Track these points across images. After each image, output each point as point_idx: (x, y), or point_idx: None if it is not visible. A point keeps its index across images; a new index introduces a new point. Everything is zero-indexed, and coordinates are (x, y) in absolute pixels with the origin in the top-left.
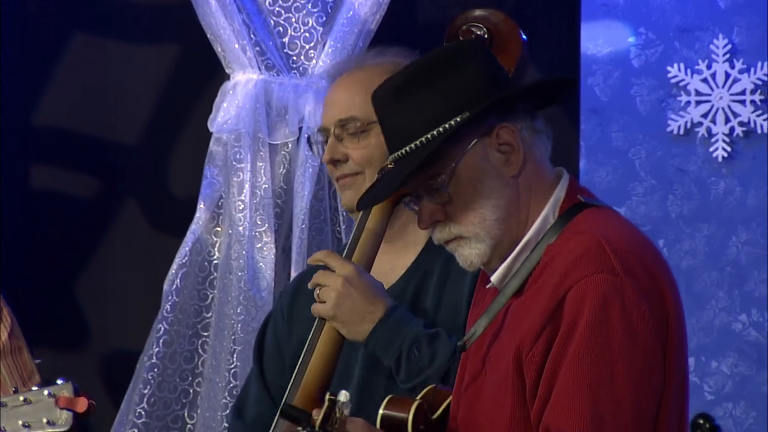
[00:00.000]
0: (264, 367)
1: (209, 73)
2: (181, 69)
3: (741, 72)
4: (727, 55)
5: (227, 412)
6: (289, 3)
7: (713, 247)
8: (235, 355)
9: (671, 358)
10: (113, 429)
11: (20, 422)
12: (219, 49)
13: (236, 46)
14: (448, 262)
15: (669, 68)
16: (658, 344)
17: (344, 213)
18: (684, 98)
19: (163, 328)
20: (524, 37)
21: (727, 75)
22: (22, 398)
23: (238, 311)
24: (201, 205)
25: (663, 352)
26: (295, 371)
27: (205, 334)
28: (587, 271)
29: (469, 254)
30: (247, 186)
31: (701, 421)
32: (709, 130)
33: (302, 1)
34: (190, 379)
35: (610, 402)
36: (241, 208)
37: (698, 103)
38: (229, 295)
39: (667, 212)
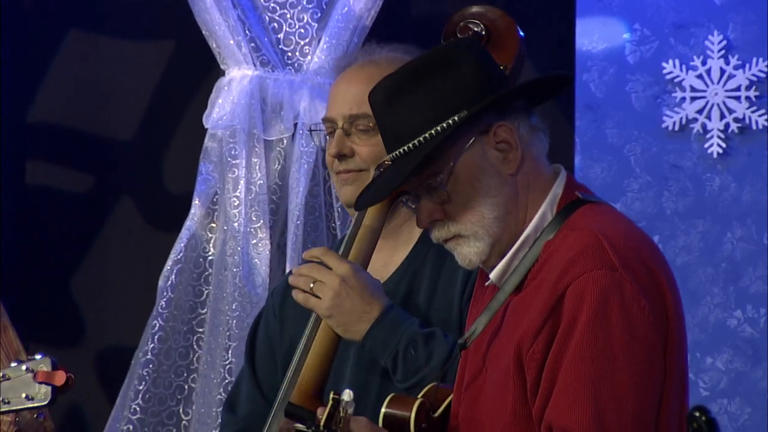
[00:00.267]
0: (255, 365)
1: (204, 69)
2: (176, 65)
3: (736, 68)
4: (722, 52)
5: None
6: None
7: (708, 243)
8: (230, 351)
9: (671, 353)
10: (108, 425)
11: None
12: (214, 45)
13: (231, 42)
14: (440, 258)
15: (664, 64)
16: (658, 339)
17: (339, 209)
18: (679, 94)
19: (158, 324)
20: (521, 33)
21: (722, 71)
22: (0, 375)
23: (233, 307)
24: (196, 201)
25: (663, 347)
26: (291, 370)
27: (200, 330)
28: (586, 268)
29: (468, 253)
30: (242, 182)
31: (697, 414)
32: (704, 126)
33: None
34: (185, 375)
35: (611, 398)
36: (236, 204)
37: (693, 99)
38: (224, 291)
39: (662, 208)
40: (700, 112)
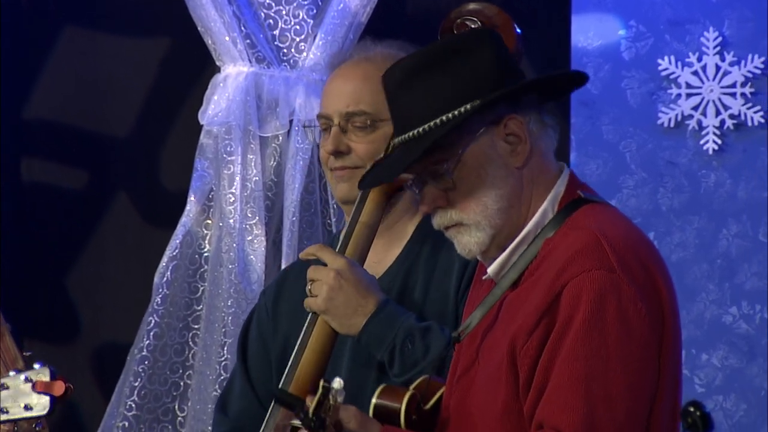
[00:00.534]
0: (248, 363)
1: (200, 66)
2: (172, 61)
3: (731, 65)
4: (718, 48)
5: None
6: None
7: (704, 240)
8: (225, 348)
9: (666, 355)
10: (104, 421)
11: None
12: (209, 42)
13: (227, 38)
14: (435, 252)
15: (659, 61)
16: (653, 341)
17: (335, 206)
18: (674, 91)
19: (153, 321)
20: (518, 30)
21: (718, 68)
22: None
23: (229, 304)
24: (192, 198)
25: (658, 349)
26: (288, 365)
27: (196, 326)
28: (585, 267)
29: (468, 242)
30: (237, 179)
31: (692, 409)
32: (699, 122)
33: None
34: (181, 371)
35: (604, 398)
36: (231, 200)
37: (689, 95)
38: (220, 287)
39: (657, 205)
40: (695, 108)
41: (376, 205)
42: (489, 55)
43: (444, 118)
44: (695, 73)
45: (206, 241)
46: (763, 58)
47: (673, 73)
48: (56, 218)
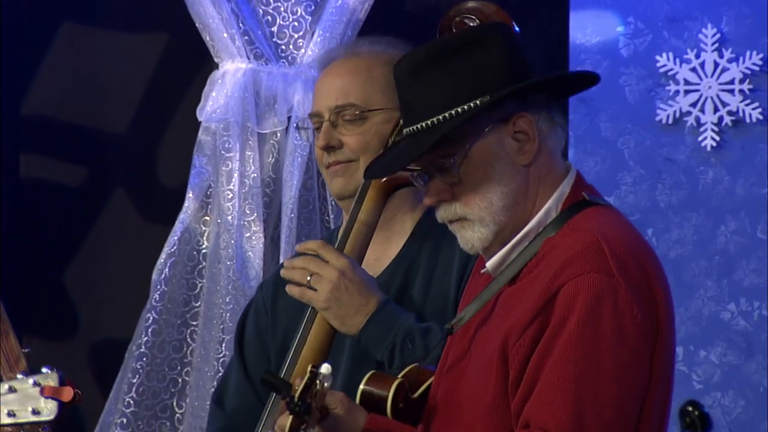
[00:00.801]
0: (245, 356)
1: (198, 62)
2: (170, 58)
3: (730, 61)
4: (716, 45)
5: None
6: None
7: (702, 237)
8: (223, 345)
9: (658, 360)
10: (102, 418)
11: (5, 411)
12: (208, 38)
13: (225, 35)
14: (435, 249)
15: (658, 58)
16: (646, 347)
17: (333, 202)
18: (673, 87)
19: (151, 318)
20: (517, 28)
21: (716, 64)
22: (6, 387)
23: (227, 300)
24: (190, 195)
25: (650, 355)
26: (287, 362)
27: (194, 323)
28: (583, 269)
29: (471, 237)
30: (235, 175)
31: (690, 409)
32: (697, 119)
33: None
34: (179, 368)
35: (593, 401)
36: (229, 197)
37: (687, 92)
38: (218, 284)
39: (655, 201)
40: (693, 105)
41: (375, 203)
42: (501, 50)
43: (453, 112)
44: (693, 69)
45: (204, 238)
46: (761, 55)
47: (671, 69)
48: (54, 214)
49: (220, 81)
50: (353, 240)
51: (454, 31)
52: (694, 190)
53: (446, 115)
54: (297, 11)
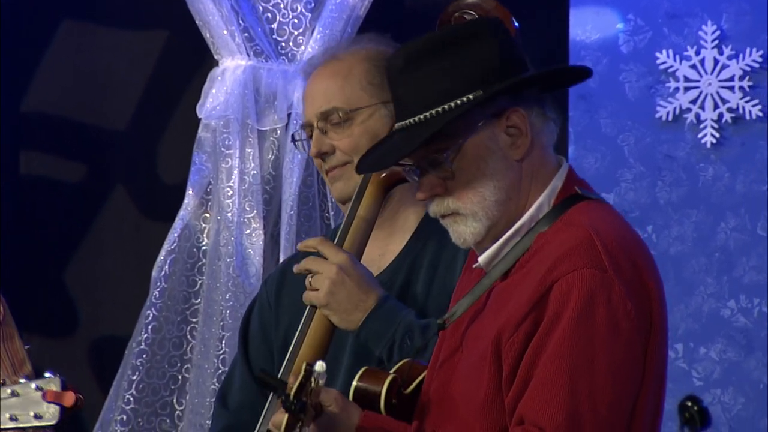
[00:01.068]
0: (249, 354)
1: (198, 59)
2: (170, 55)
3: (730, 58)
4: (716, 41)
5: None
6: None
7: (702, 233)
8: (223, 342)
9: (652, 354)
10: (102, 415)
11: (7, 415)
12: (207, 35)
13: (225, 32)
14: (438, 247)
15: (658, 54)
16: (640, 342)
17: (332, 199)
18: (672, 84)
19: (151, 315)
20: (516, 24)
21: (716, 61)
22: (9, 391)
23: (227, 297)
24: (190, 192)
25: (644, 349)
26: (286, 358)
27: (194, 320)
28: (576, 265)
29: (463, 231)
30: (235, 172)
31: (689, 404)
32: (697, 116)
33: None
34: (179, 365)
35: (587, 397)
36: (229, 194)
37: (687, 89)
38: (218, 281)
39: (655, 198)
40: (693, 102)
41: (374, 199)
42: (493, 45)
43: (446, 106)
44: (693, 66)
45: (204, 235)
46: (761, 52)
47: (671, 66)
48: (54, 211)
49: (220, 78)
50: (352, 236)
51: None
52: (694, 187)
53: (439, 109)
54: (297, 8)
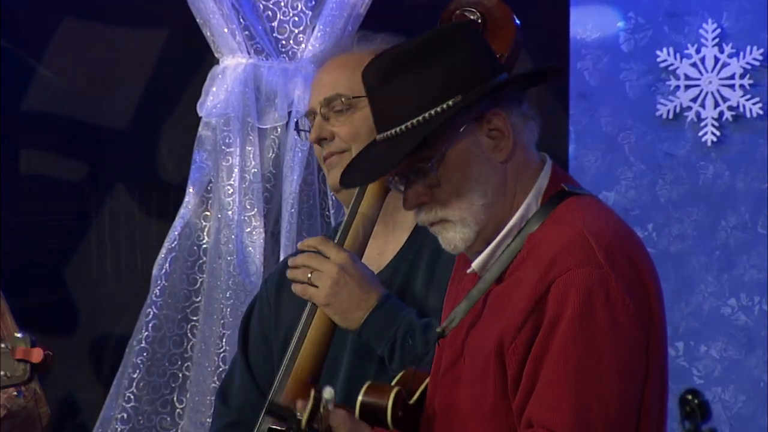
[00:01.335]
0: (249, 353)
1: (198, 58)
2: (170, 53)
3: (730, 56)
4: (717, 40)
5: None
6: None
7: (702, 232)
8: (224, 340)
9: (653, 350)
10: (102, 413)
11: None
12: (208, 34)
13: (225, 30)
14: (438, 247)
15: (658, 53)
16: (641, 336)
17: (333, 197)
18: (673, 83)
19: (152, 313)
20: (518, 21)
21: (717, 59)
22: None
23: (227, 295)
24: (190, 190)
25: (646, 343)
26: (287, 357)
27: (194, 318)
28: (572, 264)
29: (453, 238)
30: (236, 170)
31: (689, 397)
32: (698, 114)
33: None
34: (179, 363)
35: (595, 395)
36: (230, 192)
37: (687, 87)
38: (218, 279)
39: (656, 197)
40: (694, 100)
41: (376, 197)
42: (468, 50)
43: (427, 114)
44: (694, 64)
45: (205, 233)
46: (761, 50)
47: (671, 64)
48: (55, 210)
49: (220, 76)
50: (353, 234)
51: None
52: (694, 185)
53: (420, 119)
54: (297, 6)
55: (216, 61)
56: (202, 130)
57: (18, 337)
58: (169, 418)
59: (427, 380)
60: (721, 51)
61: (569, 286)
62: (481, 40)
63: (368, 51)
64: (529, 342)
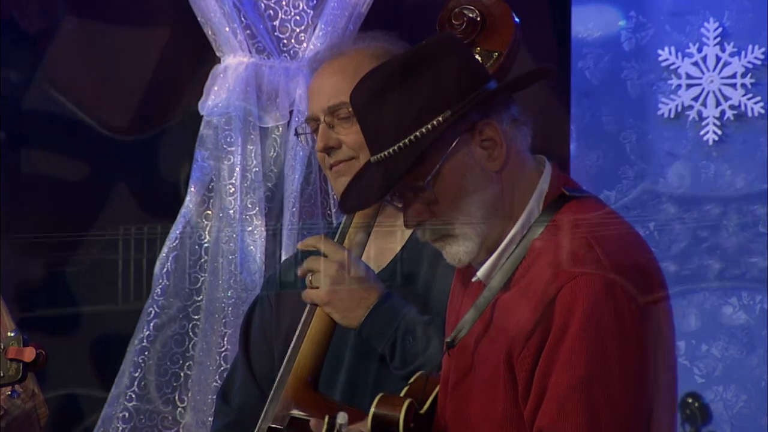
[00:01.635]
0: (250, 354)
1: (200, 57)
2: (172, 52)
3: (732, 55)
4: (718, 39)
5: None
6: None
7: (704, 231)
8: (225, 339)
9: (661, 351)
10: (104, 412)
11: None
12: (209, 33)
13: (227, 29)
14: None
15: (660, 52)
16: (649, 339)
17: (334, 197)
18: (674, 82)
19: (153, 312)
20: (517, 19)
21: (718, 58)
22: None
23: (229, 294)
24: (191, 189)
25: (654, 347)
26: (287, 356)
27: (196, 317)
28: (577, 271)
29: (456, 252)
30: (237, 169)
31: (690, 400)
32: (699, 113)
33: None
34: (181, 362)
35: (605, 402)
36: (231, 191)
37: (689, 86)
38: (220, 278)
39: (657, 196)
40: (695, 99)
41: None
42: (454, 63)
43: (418, 133)
44: (695, 63)
45: (206, 232)
46: (763, 49)
47: (673, 63)
48: (56, 209)
49: (222, 75)
50: (353, 232)
51: (453, 22)
52: (695, 184)
53: (411, 137)
54: (299, 5)
55: (217, 60)
56: (203, 129)
57: (10, 336)
58: (170, 417)
59: (438, 387)
60: (723, 50)
61: (576, 293)
62: (464, 50)
63: (363, 51)
64: (538, 351)
